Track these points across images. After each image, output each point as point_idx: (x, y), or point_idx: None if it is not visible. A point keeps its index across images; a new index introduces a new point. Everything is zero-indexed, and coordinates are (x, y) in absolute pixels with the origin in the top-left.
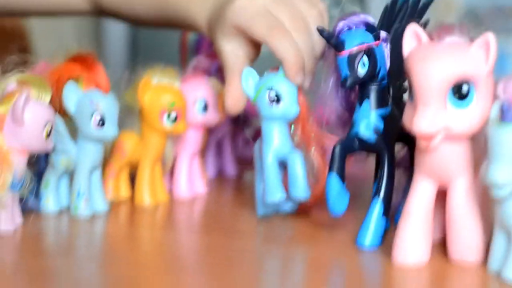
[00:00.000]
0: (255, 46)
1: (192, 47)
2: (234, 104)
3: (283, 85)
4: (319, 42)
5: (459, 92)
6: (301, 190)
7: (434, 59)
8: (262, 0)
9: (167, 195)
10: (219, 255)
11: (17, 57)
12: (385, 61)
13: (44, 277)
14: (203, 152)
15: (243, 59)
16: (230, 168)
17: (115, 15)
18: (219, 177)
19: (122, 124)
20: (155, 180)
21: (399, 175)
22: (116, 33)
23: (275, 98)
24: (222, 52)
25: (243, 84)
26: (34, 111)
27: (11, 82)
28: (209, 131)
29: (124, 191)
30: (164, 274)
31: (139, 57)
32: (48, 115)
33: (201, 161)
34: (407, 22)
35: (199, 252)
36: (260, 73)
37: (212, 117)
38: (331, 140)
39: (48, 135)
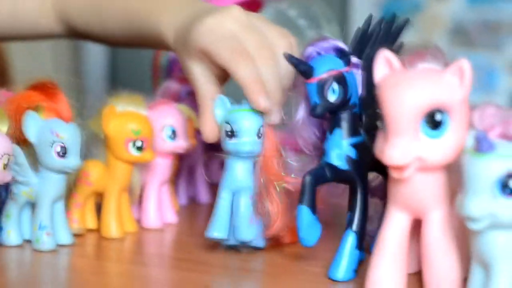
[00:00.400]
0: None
1: (164, 70)
2: (210, 132)
3: (241, 120)
4: (287, 73)
5: (433, 121)
6: (243, 232)
7: (406, 87)
8: (230, 24)
9: (135, 225)
10: None
11: None
12: (357, 87)
13: None
14: (174, 179)
15: (214, 83)
16: (203, 195)
17: (88, 35)
18: (192, 204)
19: (88, 153)
20: (122, 210)
21: (375, 203)
22: (95, 53)
23: (230, 133)
24: (191, 75)
25: (215, 113)
26: None
27: None
28: (181, 157)
29: (91, 222)
30: None
31: (118, 79)
32: (4, 147)
33: (171, 189)
34: (380, 46)
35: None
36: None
37: (181, 144)
38: (294, 182)
39: (5, 167)
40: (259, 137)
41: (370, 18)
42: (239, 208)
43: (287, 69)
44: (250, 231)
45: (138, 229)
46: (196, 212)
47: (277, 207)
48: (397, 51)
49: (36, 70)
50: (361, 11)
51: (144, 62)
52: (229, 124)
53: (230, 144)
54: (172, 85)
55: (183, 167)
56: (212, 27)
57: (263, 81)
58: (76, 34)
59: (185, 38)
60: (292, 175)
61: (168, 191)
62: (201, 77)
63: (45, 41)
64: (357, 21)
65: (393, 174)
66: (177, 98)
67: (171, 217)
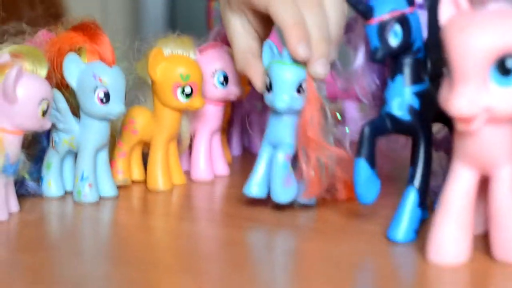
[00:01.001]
0: (265, 22)
1: (218, 14)
2: (264, 83)
3: (278, 73)
4: (336, 23)
5: (504, 68)
6: (277, 194)
7: (474, 30)
8: None
9: (184, 178)
10: (239, 252)
11: (15, 26)
12: (421, 30)
13: (42, 273)
14: (226, 128)
15: (255, 39)
16: (258, 145)
17: None
18: (246, 155)
19: (135, 98)
20: (171, 161)
21: (440, 157)
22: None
23: (268, 86)
24: (231, 28)
25: (263, 60)
26: (28, 87)
27: (4, 54)
28: (234, 105)
29: (137, 173)
30: (178, 274)
31: (177, 23)
32: (43, 92)
33: (223, 138)
34: None
35: (218, 249)
36: None
37: (233, 91)
38: (332, 152)
39: (44, 113)
40: (299, 92)
41: None
42: (274, 167)
43: (336, 19)
44: (284, 193)
45: (187, 182)
46: (249, 164)
47: (314, 172)
48: None
49: (94, 12)
50: None
51: (203, 6)
52: (268, 76)
53: (268, 97)
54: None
55: (236, 115)
56: None
57: (306, 27)
58: None
59: None
60: (332, 143)
61: (219, 141)
62: (241, 30)
63: None
64: None
65: (459, 126)
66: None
67: (222, 168)
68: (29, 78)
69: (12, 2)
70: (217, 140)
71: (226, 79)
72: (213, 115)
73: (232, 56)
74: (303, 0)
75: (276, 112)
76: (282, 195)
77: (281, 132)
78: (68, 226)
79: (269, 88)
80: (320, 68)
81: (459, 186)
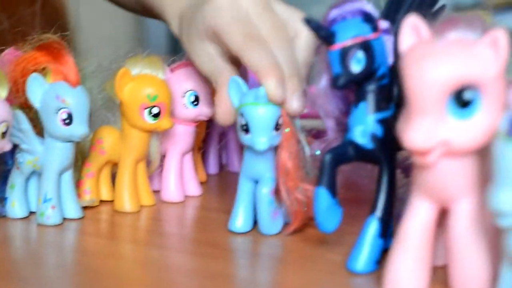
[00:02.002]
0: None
1: None
2: (225, 115)
3: (255, 115)
4: (305, 56)
5: (461, 100)
6: (266, 227)
7: (430, 61)
8: (245, 3)
9: (153, 199)
10: (199, 282)
11: None
12: (386, 56)
13: None
14: (202, 146)
15: (229, 63)
16: (235, 163)
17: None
18: (223, 173)
19: (104, 118)
20: (139, 182)
21: (409, 183)
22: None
23: (244, 127)
24: (202, 56)
25: (229, 96)
26: None
27: None
28: (210, 122)
29: (106, 193)
30: None
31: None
32: (2, 114)
33: (198, 157)
34: (418, 8)
35: (180, 279)
36: None
37: (204, 111)
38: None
39: (4, 135)
40: (277, 129)
41: None
42: (260, 203)
43: (305, 52)
44: (274, 226)
45: (157, 203)
46: (224, 182)
47: (297, 205)
48: (437, 15)
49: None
50: None
51: None
52: (243, 118)
53: (245, 138)
54: None
55: (213, 133)
56: (225, 6)
57: (280, 68)
58: None
59: (194, 18)
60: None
61: (191, 161)
62: (215, 54)
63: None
64: None
65: (415, 159)
66: None
67: (195, 189)
68: None
69: None
70: (188, 160)
71: (197, 99)
72: (184, 136)
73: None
74: (273, 38)
75: (252, 151)
76: (272, 228)
77: (260, 167)
78: (29, 252)
79: (245, 129)
80: (296, 103)
81: (417, 219)
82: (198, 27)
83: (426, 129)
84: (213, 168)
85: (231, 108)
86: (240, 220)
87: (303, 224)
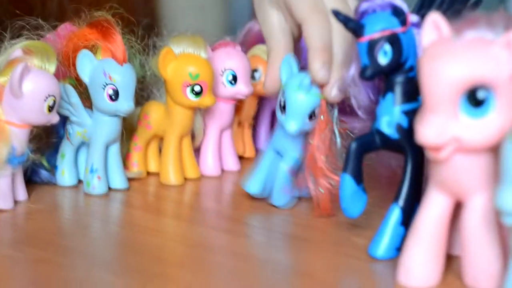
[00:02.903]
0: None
1: None
2: (270, 86)
3: (294, 99)
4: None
5: (474, 99)
6: (274, 198)
7: (445, 59)
8: None
9: (198, 172)
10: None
11: (30, 20)
12: (415, 49)
13: (42, 271)
14: (254, 122)
15: (289, 36)
16: None
17: None
18: None
19: (151, 93)
20: (184, 156)
21: None
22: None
23: (282, 106)
24: (268, 21)
25: (281, 72)
26: (34, 83)
27: (16, 50)
28: (262, 99)
29: (153, 165)
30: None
31: None
32: (50, 88)
33: (247, 133)
34: (452, 3)
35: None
36: None
37: (241, 90)
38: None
39: (51, 109)
40: (310, 118)
41: None
42: (278, 174)
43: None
44: (281, 199)
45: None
46: None
47: (323, 191)
48: (474, 7)
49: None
50: None
51: None
52: (283, 97)
53: (280, 117)
54: (256, 26)
55: (264, 109)
56: None
57: (332, 52)
58: None
59: None
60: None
61: (230, 137)
62: (277, 24)
63: None
64: None
65: (429, 154)
66: (260, 39)
67: (233, 164)
68: (36, 74)
69: None
70: (227, 136)
71: (235, 78)
72: (222, 113)
73: (243, 56)
74: (336, 22)
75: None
76: (278, 200)
77: (287, 143)
78: (74, 221)
79: (282, 108)
80: (335, 92)
81: (432, 211)
82: None
83: (438, 125)
84: (263, 143)
85: (278, 80)
86: (252, 182)
87: (329, 211)
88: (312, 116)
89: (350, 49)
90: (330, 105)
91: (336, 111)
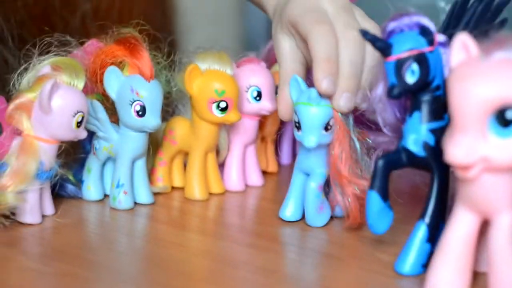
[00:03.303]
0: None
1: None
2: (284, 111)
3: (305, 114)
4: (368, 63)
5: (503, 119)
6: (311, 220)
7: (474, 80)
8: (326, 3)
9: (222, 187)
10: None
11: (58, 37)
12: (442, 68)
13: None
14: (276, 138)
15: (300, 62)
16: None
17: None
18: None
19: (176, 109)
20: (209, 171)
21: None
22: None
23: (297, 124)
24: (279, 48)
25: (290, 93)
26: (63, 100)
27: (45, 66)
28: None
29: (178, 180)
30: (209, 284)
31: None
32: (78, 104)
33: (271, 148)
34: (478, 23)
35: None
36: None
37: (265, 106)
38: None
39: (79, 124)
40: (327, 130)
41: None
42: (307, 195)
43: (374, 57)
44: (319, 219)
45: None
46: (290, 173)
47: (352, 202)
48: (499, 27)
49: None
50: None
51: None
52: (296, 115)
53: (297, 135)
54: None
55: (287, 124)
56: (307, 2)
57: (339, 62)
58: None
59: (281, 10)
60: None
61: (254, 152)
62: (288, 52)
63: None
64: None
65: (457, 173)
66: None
67: (256, 180)
68: (65, 90)
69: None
70: (252, 151)
71: (259, 94)
72: (247, 128)
73: (267, 72)
74: (344, 35)
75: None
76: (317, 221)
77: (311, 162)
78: (100, 235)
79: (298, 126)
80: (343, 102)
81: (459, 229)
82: (282, 20)
83: (467, 145)
84: (286, 158)
85: (290, 105)
86: (289, 209)
87: (360, 220)
88: (327, 127)
89: (359, 61)
90: (345, 114)
91: (351, 119)
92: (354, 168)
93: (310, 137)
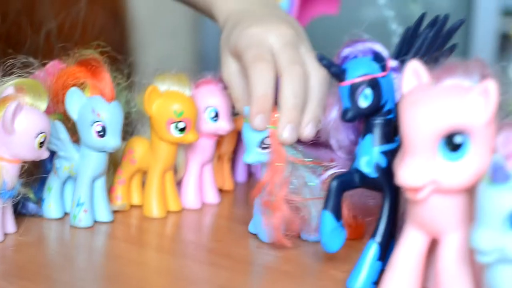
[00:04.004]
0: None
1: None
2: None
3: (244, 131)
4: (317, 96)
5: (452, 143)
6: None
7: (424, 106)
8: (272, 38)
9: (180, 205)
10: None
11: (22, 58)
12: (394, 93)
13: None
14: (232, 156)
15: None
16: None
17: None
18: (250, 181)
19: (135, 129)
20: (167, 189)
21: None
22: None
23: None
24: (227, 68)
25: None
26: (26, 121)
27: (9, 87)
28: (241, 134)
29: (136, 198)
30: None
31: None
32: (41, 125)
33: (227, 166)
34: (428, 48)
35: (202, 282)
36: None
37: (223, 126)
38: (296, 201)
39: (41, 145)
40: (263, 148)
41: (422, 17)
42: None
43: (318, 92)
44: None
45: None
46: (248, 190)
47: (279, 218)
48: (449, 53)
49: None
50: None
51: None
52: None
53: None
54: None
55: (242, 143)
56: (254, 35)
57: (282, 95)
58: None
59: (230, 31)
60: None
61: (210, 171)
62: (235, 72)
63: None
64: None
65: (407, 194)
66: None
67: (213, 197)
68: (28, 112)
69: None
70: (208, 170)
71: (217, 114)
72: (204, 148)
73: (224, 93)
74: (288, 69)
75: None
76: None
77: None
78: (60, 253)
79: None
80: (286, 134)
81: (410, 247)
82: (229, 43)
83: (417, 168)
84: (241, 176)
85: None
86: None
87: (283, 242)
88: (264, 146)
89: (301, 91)
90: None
91: (292, 150)
92: (285, 191)
93: (246, 153)
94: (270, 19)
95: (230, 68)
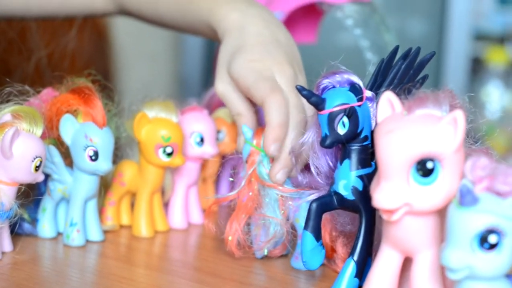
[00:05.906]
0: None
1: None
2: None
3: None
4: (294, 119)
5: (423, 169)
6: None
7: (398, 134)
8: (278, 77)
9: (167, 225)
10: None
11: (17, 86)
12: (370, 121)
13: None
14: (215, 178)
15: (245, 100)
16: None
17: (139, 16)
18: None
19: (124, 153)
20: (155, 210)
21: None
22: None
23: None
24: (229, 99)
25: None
26: (23, 146)
27: (6, 114)
28: (224, 157)
29: (126, 218)
30: None
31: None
32: (37, 150)
33: (210, 188)
34: (402, 79)
35: None
36: None
37: (208, 150)
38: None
39: (37, 168)
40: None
41: (396, 49)
42: None
43: (295, 113)
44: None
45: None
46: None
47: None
48: (421, 83)
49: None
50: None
51: None
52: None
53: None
54: None
55: (226, 166)
56: (260, 71)
57: (287, 128)
58: (127, 13)
59: (230, 61)
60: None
61: (196, 193)
62: (229, 90)
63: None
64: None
65: (382, 216)
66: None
67: (198, 218)
68: (25, 137)
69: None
70: (194, 191)
71: (202, 139)
72: (190, 171)
73: (209, 119)
74: (290, 91)
75: None
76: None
77: None
78: (54, 271)
79: None
80: (280, 176)
81: (385, 265)
82: (231, 69)
83: (391, 192)
84: None
85: None
86: None
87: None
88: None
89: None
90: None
91: (264, 160)
92: (250, 207)
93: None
94: (272, 50)
95: (225, 82)
